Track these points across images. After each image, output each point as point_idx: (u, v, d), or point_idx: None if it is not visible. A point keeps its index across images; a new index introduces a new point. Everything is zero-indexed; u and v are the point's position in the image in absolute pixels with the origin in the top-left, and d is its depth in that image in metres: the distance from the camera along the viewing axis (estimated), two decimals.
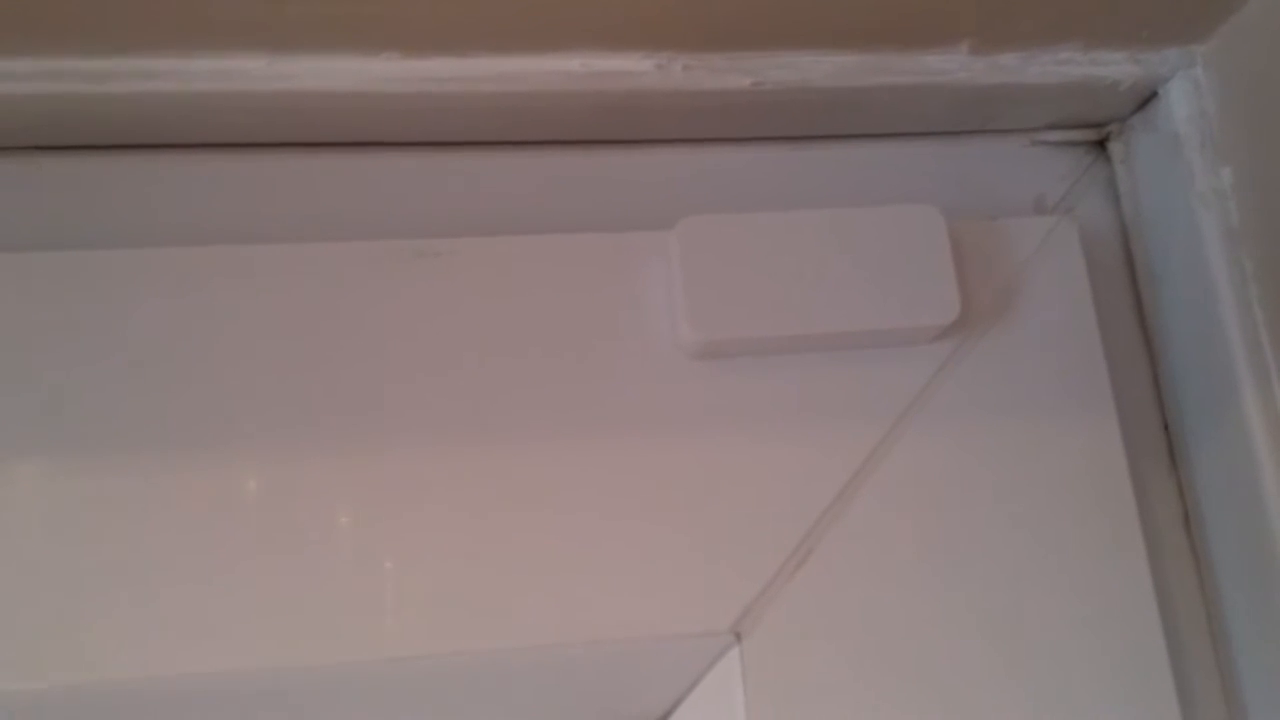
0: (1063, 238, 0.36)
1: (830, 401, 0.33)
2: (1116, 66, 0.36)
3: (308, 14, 0.30)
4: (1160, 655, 0.32)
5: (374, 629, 0.30)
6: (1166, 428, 0.37)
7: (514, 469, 0.32)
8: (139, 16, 0.29)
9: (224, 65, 0.31)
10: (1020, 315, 0.35)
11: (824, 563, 0.32)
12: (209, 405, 0.31)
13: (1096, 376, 0.35)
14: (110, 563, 0.29)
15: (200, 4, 0.29)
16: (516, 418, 0.32)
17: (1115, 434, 0.34)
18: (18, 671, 0.29)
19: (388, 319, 0.33)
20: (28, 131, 0.33)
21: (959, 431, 0.34)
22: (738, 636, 0.31)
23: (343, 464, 0.31)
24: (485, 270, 0.33)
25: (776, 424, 0.33)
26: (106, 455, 0.30)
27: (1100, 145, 0.40)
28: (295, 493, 0.31)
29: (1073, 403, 0.34)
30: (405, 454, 0.31)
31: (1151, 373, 0.38)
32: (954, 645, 0.32)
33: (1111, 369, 0.35)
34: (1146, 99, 0.38)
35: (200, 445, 0.31)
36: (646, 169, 0.37)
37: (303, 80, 0.32)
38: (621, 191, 0.37)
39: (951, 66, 0.35)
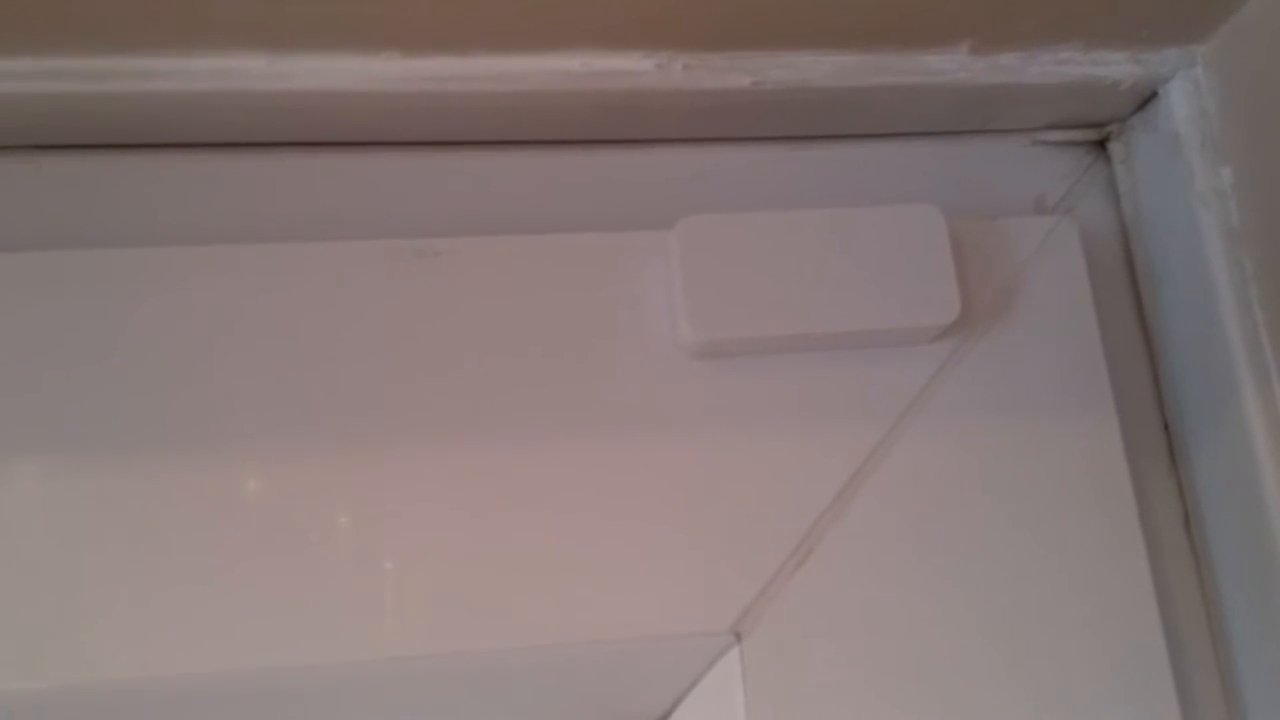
0: (1063, 238, 0.36)
1: (830, 401, 0.33)
2: (1116, 66, 0.36)
3: (308, 14, 0.30)
4: (1160, 655, 0.32)
5: (374, 629, 0.30)
6: (1166, 428, 0.37)
7: (514, 469, 0.32)
8: (139, 16, 0.29)
9: (224, 65, 0.31)
10: (1020, 315, 0.35)
11: (824, 563, 0.32)
12: (209, 405, 0.31)
13: (1096, 376, 0.35)
14: (110, 563, 0.29)
15: (200, 4, 0.29)
16: (516, 418, 0.32)
17: (1115, 434, 0.34)
18: (18, 671, 0.29)
19: (388, 319, 0.33)
20: (28, 131, 0.33)
21: (959, 431, 0.34)
22: (738, 636, 0.31)
23: (343, 464, 0.31)
24: (485, 270, 0.33)
25: (776, 424, 0.33)
26: (106, 455, 0.30)
27: (1100, 145, 0.40)
28: (295, 493, 0.31)
29: (1073, 403, 0.34)
30: (405, 454, 0.31)
31: (1151, 373, 0.38)
32: (954, 645, 0.32)
33: (1111, 369, 0.35)
34: (1146, 99, 0.38)
35: (200, 445, 0.31)
36: (646, 169, 0.37)
37: (303, 80, 0.32)
38: (621, 191, 0.37)
39: (951, 66, 0.35)
